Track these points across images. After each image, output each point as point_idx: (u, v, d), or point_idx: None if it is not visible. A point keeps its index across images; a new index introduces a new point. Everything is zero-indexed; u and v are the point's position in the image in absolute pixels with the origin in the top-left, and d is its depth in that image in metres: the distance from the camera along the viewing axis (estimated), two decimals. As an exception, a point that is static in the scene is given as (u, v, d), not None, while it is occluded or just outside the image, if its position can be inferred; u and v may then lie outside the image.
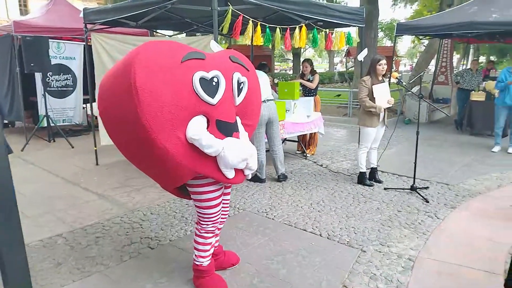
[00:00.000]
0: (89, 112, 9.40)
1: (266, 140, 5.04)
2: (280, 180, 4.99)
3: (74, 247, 3.24)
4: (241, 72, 2.38)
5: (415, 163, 4.58)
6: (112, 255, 3.10)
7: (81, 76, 8.18)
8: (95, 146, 5.82)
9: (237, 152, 2.24)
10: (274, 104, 4.95)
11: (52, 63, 7.36)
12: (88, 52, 5.80)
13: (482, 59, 17.25)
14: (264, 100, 4.67)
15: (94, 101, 7.20)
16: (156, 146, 2.04)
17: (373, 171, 4.93)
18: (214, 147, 2.16)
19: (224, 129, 2.27)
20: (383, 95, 4.49)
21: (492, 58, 17.65)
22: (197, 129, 2.14)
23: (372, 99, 4.49)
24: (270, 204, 4.16)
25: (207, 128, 2.21)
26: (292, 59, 32.38)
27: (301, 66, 6.57)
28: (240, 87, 2.39)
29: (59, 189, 4.72)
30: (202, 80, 2.17)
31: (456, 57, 17.35)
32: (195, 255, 2.55)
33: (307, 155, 6.22)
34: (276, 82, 10.42)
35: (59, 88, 7.96)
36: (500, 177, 5.06)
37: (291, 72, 29.95)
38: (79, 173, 5.38)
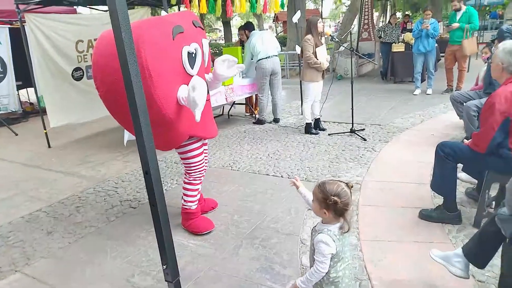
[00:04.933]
0: (22, 99, 9.02)
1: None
2: (276, 122, 6.16)
3: (57, 217, 3.43)
4: (203, 36, 2.70)
5: (352, 109, 5.24)
6: (98, 218, 3.36)
7: (11, 61, 7.75)
8: (45, 129, 5.76)
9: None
10: (278, 59, 5.97)
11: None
12: (15, 35, 5.56)
13: (399, 14, 18.66)
14: (269, 56, 5.74)
15: (31, 86, 6.99)
16: (165, 120, 2.35)
17: (317, 121, 5.52)
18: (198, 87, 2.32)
19: None
20: (322, 55, 5.05)
21: (407, 12, 19.14)
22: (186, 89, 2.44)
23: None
24: (232, 160, 4.58)
25: None
26: (220, 28, 32.17)
27: (238, 34, 6.87)
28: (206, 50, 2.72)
29: (21, 173, 4.73)
30: (188, 54, 2.45)
31: (375, 14, 18.56)
32: (184, 201, 2.91)
33: (256, 116, 6.67)
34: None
35: (-12, 76, 7.52)
36: (422, 114, 5.92)
37: (222, 41, 29.81)
38: (35, 157, 5.36)
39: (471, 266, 2.00)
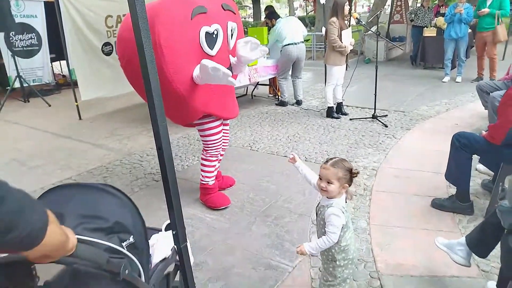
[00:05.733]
0: (56, 71, 9.38)
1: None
2: (298, 105, 6.21)
3: (86, 186, 3.66)
4: (232, 19, 2.73)
5: (375, 94, 5.21)
6: (123, 188, 3.51)
7: (45, 34, 8.05)
8: (76, 102, 6.02)
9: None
10: (304, 45, 5.96)
11: (14, 22, 7.23)
12: (50, 9, 5.75)
13: (435, -4, 17.91)
14: (296, 42, 5.74)
15: (64, 59, 7.25)
16: (177, 94, 2.46)
17: (339, 105, 5.52)
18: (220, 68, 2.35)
19: None
20: (347, 39, 5.00)
21: (444, -5, 18.33)
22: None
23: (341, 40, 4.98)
24: (252, 140, 4.69)
25: None
26: (250, 6, 31.84)
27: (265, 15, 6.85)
28: (232, 33, 2.77)
29: (53, 143, 5.01)
30: (206, 34, 2.52)
31: (411, -5, 17.87)
32: (202, 176, 3.05)
33: (279, 97, 6.71)
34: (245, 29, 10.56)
35: (24, 48, 7.84)
36: (449, 103, 5.81)
37: (251, 19, 29.55)
38: (66, 128, 5.65)
39: (476, 256, 2.06)
